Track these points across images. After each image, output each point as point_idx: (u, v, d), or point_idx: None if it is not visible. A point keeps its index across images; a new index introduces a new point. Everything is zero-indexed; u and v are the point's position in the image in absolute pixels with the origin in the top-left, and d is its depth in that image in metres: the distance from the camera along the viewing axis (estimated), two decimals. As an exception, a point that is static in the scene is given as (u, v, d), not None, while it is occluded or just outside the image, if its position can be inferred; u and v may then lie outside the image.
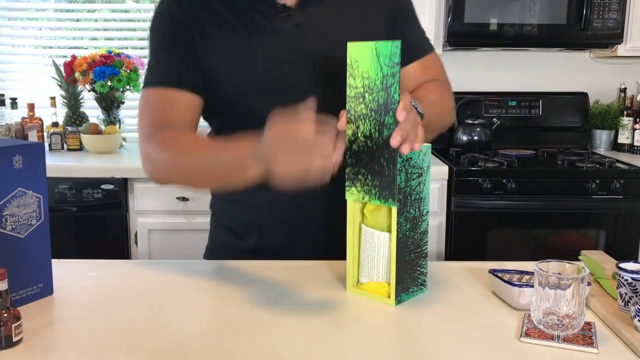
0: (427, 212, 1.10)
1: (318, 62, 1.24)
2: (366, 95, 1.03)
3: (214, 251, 1.42)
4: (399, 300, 1.07)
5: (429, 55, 1.37)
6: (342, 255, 1.15)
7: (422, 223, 1.10)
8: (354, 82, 1.05)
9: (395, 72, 0.99)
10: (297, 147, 0.92)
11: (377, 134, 1.02)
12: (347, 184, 1.09)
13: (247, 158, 1.03)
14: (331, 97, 1.23)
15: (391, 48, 0.99)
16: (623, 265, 1.02)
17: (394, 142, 0.98)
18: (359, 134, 1.05)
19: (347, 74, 1.05)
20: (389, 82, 1.00)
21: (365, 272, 1.11)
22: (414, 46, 1.34)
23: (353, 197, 1.09)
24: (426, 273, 1.13)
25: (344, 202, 1.11)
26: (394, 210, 1.04)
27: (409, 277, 1.09)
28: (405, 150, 0.99)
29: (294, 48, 1.24)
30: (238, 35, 1.24)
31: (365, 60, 1.03)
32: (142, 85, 1.30)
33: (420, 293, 1.12)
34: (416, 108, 1.13)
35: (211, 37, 1.24)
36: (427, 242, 1.12)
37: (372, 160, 1.04)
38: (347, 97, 1.06)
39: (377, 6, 1.30)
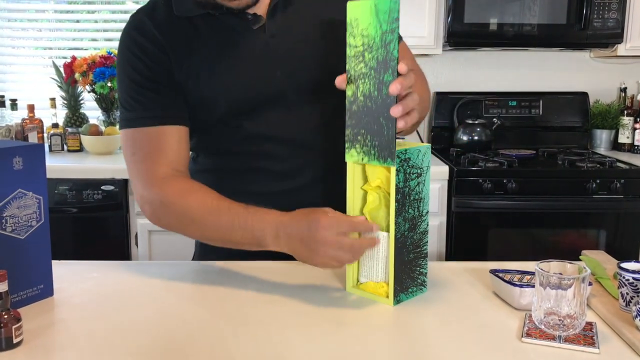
0: (427, 212, 1.10)
1: (298, 69, 1.23)
2: (366, 53, 1.02)
3: (205, 254, 1.37)
4: (397, 300, 1.07)
5: (400, 44, 1.37)
6: None
7: (421, 223, 1.10)
8: (354, 41, 1.04)
9: (394, 29, 0.98)
10: (340, 252, 1.02)
11: (376, 93, 1.01)
12: (347, 145, 1.07)
13: (268, 238, 1.07)
14: (318, 101, 1.24)
15: (390, 3, 0.98)
16: (624, 265, 1.02)
17: (393, 88, 0.97)
18: (359, 94, 1.04)
19: (347, 33, 1.04)
20: (388, 38, 0.99)
21: (364, 272, 1.11)
22: None
23: (353, 159, 1.07)
24: (426, 273, 1.12)
25: (344, 206, 1.11)
26: (392, 210, 1.03)
27: (407, 277, 1.08)
28: (395, 112, 0.98)
29: (272, 59, 1.22)
30: (214, 56, 1.21)
31: (365, 17, 1.01)
32: (121, 124, 1.23)
33: (420, 293, 1.12)
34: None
35: (187, 62, 1.20)
36: (427, 242, 1.11)
37: (371, 119, 1.03)
38: (347, 56, 1.05)
39: (343, 3, 1.29)
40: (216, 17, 1.21)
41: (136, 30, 1.22)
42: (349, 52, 1.05)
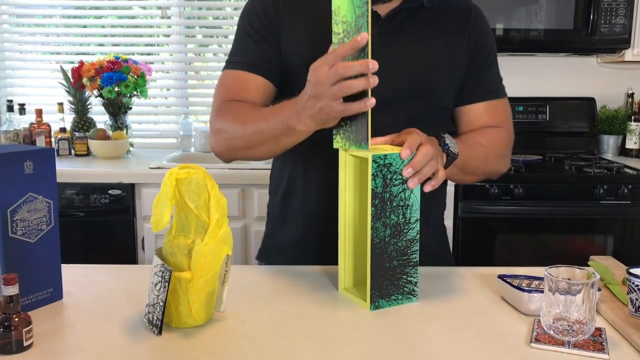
0: (416, 220, 1.07)
1: (393, 75, 1.21)
2: (345, 40, 1.02)
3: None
4: (375, 306, 1.06)
5: (501, 99, 1.38)
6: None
7: (409, 231, 1.07)
8: (337, 29, 1.04)
9: (364, 12, 0.98)
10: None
11: (353, 77, 1.00)
12: (333, 132, 1.09)
13: (291, 119, 1.09)
14: (402, 109, 1.25)
15: None
16: (633, 270, 1.01)
17: (403, 154, 1.01)
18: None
19: (332, 21, 1.05)
20: (360, 22, 0.99)
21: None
22: (490, 86, 1.36)
23: (338, 145, 1.09)
24: (416, 283, 1.09)
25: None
26: (369, 214, 1.03)
27: (390, 284, 1.07)
28: (406, 173, 1.02)
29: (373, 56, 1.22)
30: (316, 29, 1.22)
31: (344, 4, 1.02)
32: (224, 66, 1.36)
33: (408, 302, 1.09)
34: (449, 147, 1.14)
35: (295, 28, 1.28)
36: (416, 251, 1.08)
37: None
38: (332, 44, 1.06)
39: (462, 35, 1.30)
40: None
41: None
42: (334, 39, 1.05)
